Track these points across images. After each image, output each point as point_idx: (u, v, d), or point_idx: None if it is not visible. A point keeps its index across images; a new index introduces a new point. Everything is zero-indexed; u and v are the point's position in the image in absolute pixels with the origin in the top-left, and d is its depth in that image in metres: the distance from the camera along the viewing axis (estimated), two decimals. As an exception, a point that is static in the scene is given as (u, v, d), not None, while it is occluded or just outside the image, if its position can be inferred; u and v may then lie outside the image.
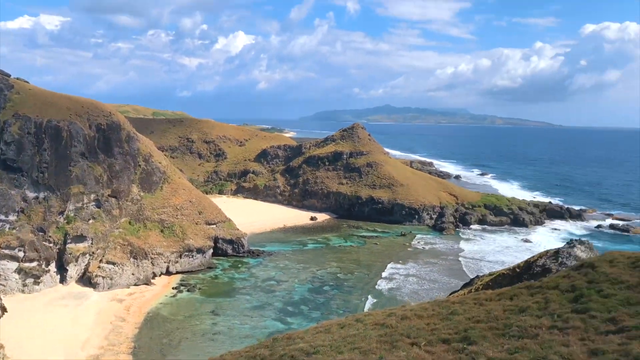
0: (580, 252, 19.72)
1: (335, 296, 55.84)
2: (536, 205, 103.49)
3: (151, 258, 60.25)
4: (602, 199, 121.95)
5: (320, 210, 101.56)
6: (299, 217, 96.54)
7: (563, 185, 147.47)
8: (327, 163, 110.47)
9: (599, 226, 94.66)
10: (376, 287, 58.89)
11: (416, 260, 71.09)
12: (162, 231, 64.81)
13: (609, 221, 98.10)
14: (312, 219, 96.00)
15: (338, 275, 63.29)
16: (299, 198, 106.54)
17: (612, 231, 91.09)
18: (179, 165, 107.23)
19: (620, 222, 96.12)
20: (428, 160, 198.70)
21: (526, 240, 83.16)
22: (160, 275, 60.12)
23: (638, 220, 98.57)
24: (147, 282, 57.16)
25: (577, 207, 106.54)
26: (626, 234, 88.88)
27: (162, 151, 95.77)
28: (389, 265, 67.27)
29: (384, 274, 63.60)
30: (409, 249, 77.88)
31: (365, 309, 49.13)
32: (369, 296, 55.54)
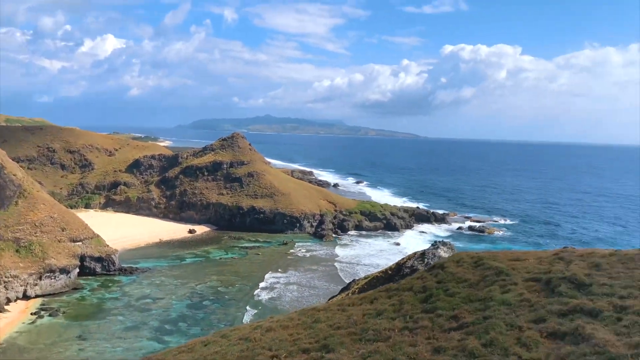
0: (443, 253, 21.56)
1: (216, 310, 54.35)
2: (406, 210, 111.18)
3: (4, 282, 53.41)
4: (461, 203, 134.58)
5: (200, 222, 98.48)
6: (177, 230, 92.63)
7: (428, 191, 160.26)
8: (206, 173, 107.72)
9: (459, 228, 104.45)
10: (256, 297, 58.49)
11: (297, 268, 72.13)
12: (17, 251, 57.84)
13: (467, 223, 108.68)
14: (190, 231, 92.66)
15: (218, 288, 61.73)
16: (176, 210, 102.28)
17: (470, 232, 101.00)
18: (38, 177, 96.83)
19: (477, 224, 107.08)
20: (308, 169, 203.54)
21: (397, 244, 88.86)
22: (16, 301, 53.49)
23: (491, 222, 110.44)
24: (-1, 310, 50.57)
25: (441, 211, 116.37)
26: (481, 234, 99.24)
27: (18, 162, 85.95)
28: (269, 275, 67.30)
29: (264, 284, 63.39)
30: (290, 257, 78.77)
31: (246, 320, 48.58)
32: (249, 307, 54.93)
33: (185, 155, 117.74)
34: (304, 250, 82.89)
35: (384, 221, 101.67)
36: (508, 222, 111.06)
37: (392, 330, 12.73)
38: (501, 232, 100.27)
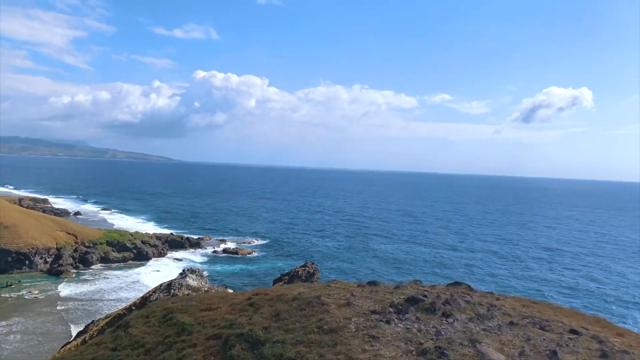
0: (192, 281, 20.56)
1: None
2: (159, 237, 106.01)
3: None
4: (214, 227, 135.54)
5: None
6: None
7: (181, 216, 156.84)
8: None
9: (215, 252, 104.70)
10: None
11: (23, 313, 60.63)
12: None
13: (222, 246, 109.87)
14: None
15: None
16: None
17: (225, 255, 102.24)
18: None
19: (231, 246, 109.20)
20: (42, 196, 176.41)
21: (149, 274, 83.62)
22: None
23: (244, 243, 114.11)
24: None
25: (195, 236, 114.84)
26: (236, 255, 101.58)
27: None
28: (-16, 327, 54.73)
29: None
30: (14, 301, 65.83)
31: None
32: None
33: None
34: (36, 292, 70.43)
35: (135, 250, 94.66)
36: (260, 242, 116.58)
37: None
38: (254, 253, 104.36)
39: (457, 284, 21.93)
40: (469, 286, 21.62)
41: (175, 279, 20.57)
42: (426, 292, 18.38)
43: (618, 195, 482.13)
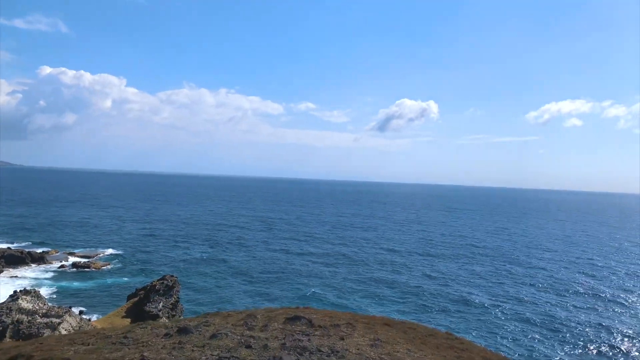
0: (26, 303, 20.73)
1: None
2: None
3: None
4: (62, 239, 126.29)
5: None
6: None
7: (21, 227, 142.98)
8: None
9: (62, 266, 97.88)
10: None
11: None
12: None
13: (72, 259, 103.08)
14: None
15: None
16: None
17: (75, 270, 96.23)
18: None
19: (82, 260, 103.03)
20: None
21: (-17, 294, 76.08)
22: None
23: (97, 256, 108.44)
24: None
25: (39, 250, 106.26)
26: (87, 269, 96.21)
27: None
28: None
29: None
30: None
31: None
32: None
33: None
34: None
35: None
36: (114, 253, 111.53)
37: None
38: (109, 266, 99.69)
39: (295, 318, 19.82)
40: (309, 321, 19.80)
41: (3, 302, 19.50)
42: (251, 341, 15.88)
43: (456, 198, 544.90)
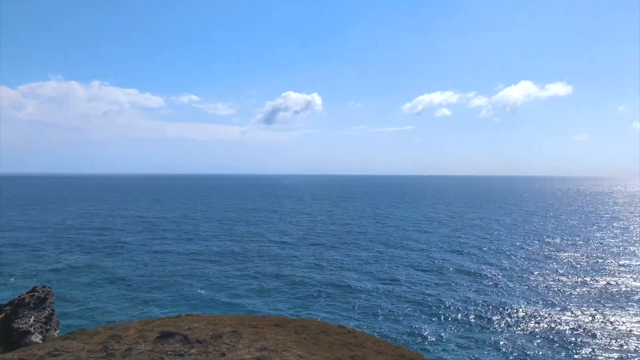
0: None
1: None
2: None
3: None
4: None
5: None
6: None
7: None
8: None
9: None
10: None
11: None
12: None
13: None
14: None
15: None
16: None
17: None
18: None
19: None
20: None
21: None
22: None
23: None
24: None
25: None
26: None
27: None
28: None
29: None
30: None
31: None
32: None
33: None
34: None
35: None
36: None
37: None
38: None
39: (168, 335, 18.15)
40: (184, 337, 18.68)
41: None
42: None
43: (343, 187, 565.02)
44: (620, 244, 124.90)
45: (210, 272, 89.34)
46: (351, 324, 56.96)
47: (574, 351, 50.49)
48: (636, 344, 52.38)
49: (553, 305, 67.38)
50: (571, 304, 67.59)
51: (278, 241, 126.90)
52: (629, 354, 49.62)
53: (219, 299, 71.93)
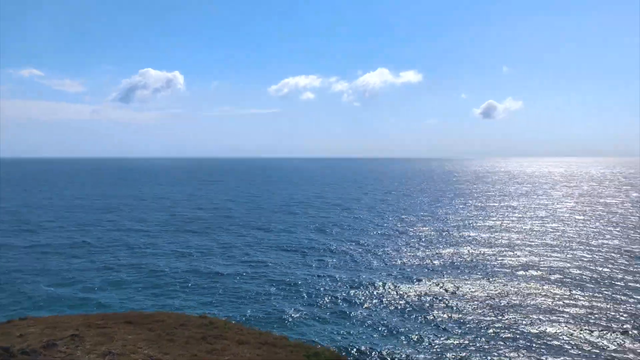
0: None
1: None
2: None
3: None
4: None
5: None
6: None
7: None
8: None
9: None
10: None
11: None
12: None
13: None
14: None
15: None
16: None
17: None
18: None
19: None
20: None
21: None
22: None
23: None
24: None
25: None
26: None
27: None
28: None
29: None
30: None
31: None
32: None
33: None
34: None
35: None
36: None
37: None
38: None
39: None
40: (4, 350, 16.23)
41: None
42: None
43: (210, 170, 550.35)
44: (462, 218, 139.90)
45: (58, 267, 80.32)
46: (216, 313, 55.29)
47: (427, 317, 54.98)
48: (476, 304, 58.78)
49: (409, 277, 72.75)
50: (423, 275, 73.64)
51: (137, 229, 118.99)
52: (474, 315, 55.47)
53: (67, 295, 64.92)
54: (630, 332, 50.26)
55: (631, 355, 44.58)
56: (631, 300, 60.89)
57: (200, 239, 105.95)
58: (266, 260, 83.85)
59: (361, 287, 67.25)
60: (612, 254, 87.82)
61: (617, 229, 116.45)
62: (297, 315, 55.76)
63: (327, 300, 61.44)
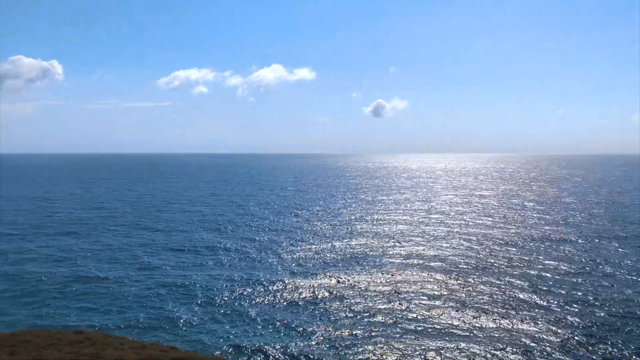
0: None
1: None
2: None
3: None
4: None
5: None
6: None
7: None
8: None
9: None
10: None
11: None
12: None
13: None
14: None
15: None
16: None
17: None
18: None
19: None
20: None
21: None
22: None
23: None
24: None
25: None
26: None
27: None
28: None
29: None
30: None
31: None
32: None
33: None
34: None
35: None
36: None
37: None
38: None
39: None
40: None
41: None
42: None
43: (91, 167, 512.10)
44: (354, 212, 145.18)
45: None
46: (100, 322, 51.62)
47: (321, 310, 56.18)
48: (368, 294, 61.32)
49: (305, 272, 73.79)
50: (318, 269, 75.15)
51: (7, 233, 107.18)
52: (365, 304, 57.76)
53: None
54: (506, 312, 55.76)
55: (506, 334, 49.44)
56: (504, 282, 67.62)
57: (83, 241, 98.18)
58: (157, 262, 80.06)
59: (257, 285, 66.88)
60: (486, 242, 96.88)
61: (490, 219, 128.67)
62: (191, 318, 53.94)
63: (223, 301, 60.22)
